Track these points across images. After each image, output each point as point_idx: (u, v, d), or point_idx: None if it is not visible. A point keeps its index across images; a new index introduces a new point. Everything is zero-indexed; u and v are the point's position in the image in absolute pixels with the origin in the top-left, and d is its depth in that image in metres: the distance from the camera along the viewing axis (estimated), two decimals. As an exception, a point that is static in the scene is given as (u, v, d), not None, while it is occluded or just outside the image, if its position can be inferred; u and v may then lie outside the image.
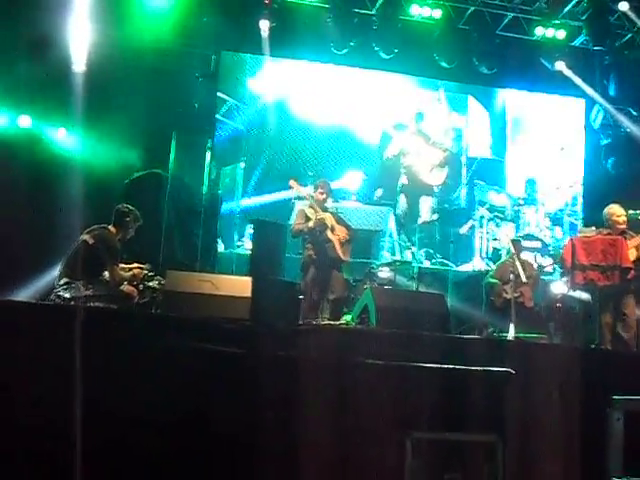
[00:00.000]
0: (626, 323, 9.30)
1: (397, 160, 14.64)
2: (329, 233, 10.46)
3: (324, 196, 10.63)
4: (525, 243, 12.63)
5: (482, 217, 14.66)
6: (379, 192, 14.58)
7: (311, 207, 10.61)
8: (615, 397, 4.48)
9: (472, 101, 15.73)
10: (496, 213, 14.68)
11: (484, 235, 14.52)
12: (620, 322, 9.30)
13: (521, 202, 15.00)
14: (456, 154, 15.53)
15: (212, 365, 5.62)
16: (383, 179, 14.74)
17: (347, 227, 10.78)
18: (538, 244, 13.90)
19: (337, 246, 10.41)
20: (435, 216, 14.28)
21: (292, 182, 11.06)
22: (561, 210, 15.28)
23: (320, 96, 14.46)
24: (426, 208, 14.55)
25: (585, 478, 5.27)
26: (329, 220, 10.51)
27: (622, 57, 14.01)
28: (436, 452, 5.47)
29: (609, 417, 4.41)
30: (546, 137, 15.56)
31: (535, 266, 11.82)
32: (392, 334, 6.66)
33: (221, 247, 12.32)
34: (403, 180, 14.70)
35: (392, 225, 14.09)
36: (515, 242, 11.30)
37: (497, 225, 14.64)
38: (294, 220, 10.71)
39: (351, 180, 14.38)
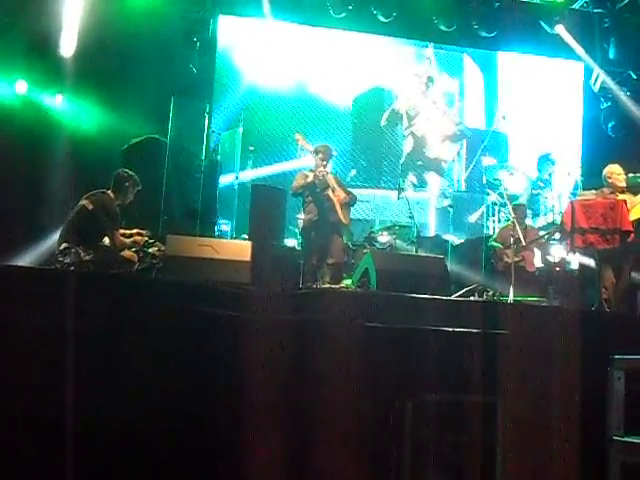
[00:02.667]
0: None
1: (397, 123, 14.33)
2: (330, 192, 10.39)
3: (324, 162, 10.56)
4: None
5: (494, 204, 13.22)
6: (353, 172, 13.98)
7: (312, 171, 10.56)
8: (616, 356, 4.50)
9: (468, 61, 15.38)
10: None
11: (496, 225, 12.85)
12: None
13: (541, 184, 13.70)
14: (466, 130, 14.97)
15: (212, 328, 5.62)
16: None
17: (347, 191, 10.73)
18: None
19: (337, 207, 10.33)
20: (447, 202, 13.64)
21: (298, 136, 10.94)
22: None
23: (286, 58, 14.02)
24: (435, 189, 14.20)
25: (586, 437, 5.30)
26: (330, 180, 10.47)
27: (622, 20, 13.92)
28: (438, 413, 5.50)
29: (610, 376, 4.42)
30: (544, 103, 15.23)
31: (539, 231, 11.78)
32: (392, 297, 6.68)
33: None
34: (408, 146, 14.27)
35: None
36: (517, 207, 11.29)
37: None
38: (295, 181, 10.64)
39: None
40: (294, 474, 5.38)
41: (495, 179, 13.67)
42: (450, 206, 13.51)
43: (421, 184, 14.19)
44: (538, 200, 13.61)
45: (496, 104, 15.35)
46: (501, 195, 12.75)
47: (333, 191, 10.36)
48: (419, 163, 14.26)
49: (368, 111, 14.71)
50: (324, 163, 10.52)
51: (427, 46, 14.83)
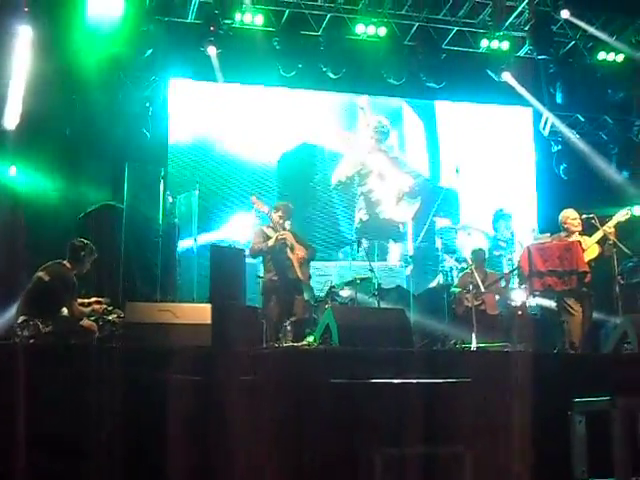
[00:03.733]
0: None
1: (350, 186, 14.24)
2: (289, 252, 10.41)
3: (282, 220, 10.59)
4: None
5: (451, 269, 12.55)
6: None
7: (270, 227, 10.59)
8: (576, 400, 4.53)
9: (407, 110, 15.20)
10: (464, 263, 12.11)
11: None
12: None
13: (502, 244, 13.51)
14: (427, 181, 14.65)
15: (175, 394, 5.58)
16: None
17: (306, 246, 10.74)
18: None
19: (296, 266, 10.36)
20: (409, 270, 12.76)
21: (254, 199, 10.98)
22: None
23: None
24: (395, 257, 13.86)
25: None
26: (289, 239, 10.48)
27: (567, 65, 14.22)
28: (406, 467, 5.47)
29: (571, 420, 4.45)
30: (491, 152, 15.17)
31: (497, 276, 11.85)
32: (354, 352, 6.67)
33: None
34: (361, 216, 14.01)
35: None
36: (475, 252, 11.40)
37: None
38: (253, 240, 10.65)
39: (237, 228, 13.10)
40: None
41: (450, 243, 13.28)
42: (411, 274, 12.65)
43: (380, 254, 13.58)
44: (501, 262, 13.37)
45: (438, 155, 15.13)
46: (458, 260, 12.47)
47: (292, 250, 10.39)
48: (372, 231, 13.82)
49: (295, 169, 14.41)
50: (282, 222, 10.56)
51: (360, 94, 14.77)
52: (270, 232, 10.50)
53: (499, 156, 15.23)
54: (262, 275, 10.72)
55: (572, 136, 14.34)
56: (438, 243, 12.98)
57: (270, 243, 10.38)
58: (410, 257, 12.98)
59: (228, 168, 13.86)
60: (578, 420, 4.43)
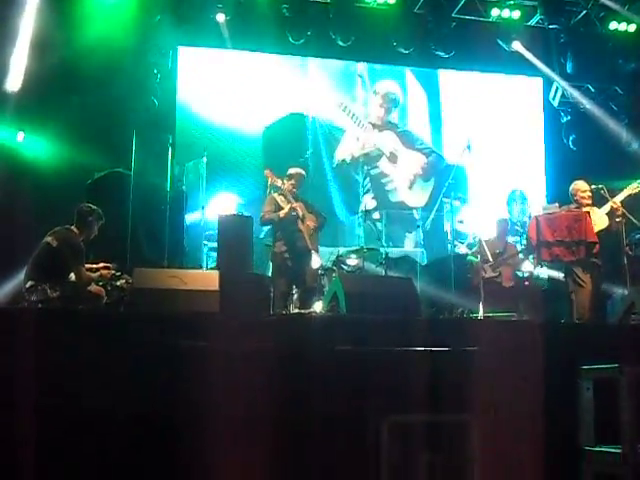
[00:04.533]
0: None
1: (354, 168, 13.83)
2: (299, 224, 10.40)
3: (294, 189, 10.58)
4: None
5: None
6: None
7: (282, 195, 10.56)
8: (583, 367, 4.52)
9: (410, 78, 14.82)
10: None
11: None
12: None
13: (518, 228, 12.96)
14: (441, 158, 14.03)
15: (183, 360, 5.59)
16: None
17: (317, 214, 10.76)
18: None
19: (306, 236, 10.37)
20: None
21: (267, 172, 10.85)
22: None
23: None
24: (410, 245, 13.52)
25: (558, 450, 5.31)
26: (300, 210, 10.47)
27: (578, 34, 14.11)
28: (412, 434, 5.48)
29: (579, 387, 4.45)
30: (499, 125, 14.90)
31: (517, 249, 11.84)
32: (361, 319, 6.67)
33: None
34: (367, 201, 13.39)
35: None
36: (500, 222, 11.40)
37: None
38: (264, 208, 10.62)
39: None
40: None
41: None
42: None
43: (394, 240, 13.25)
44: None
45: (441, 128, 14.81)
46: (470, 246, 12.24)
47: (303, 221, 10.38)
48: (382, 218, 13.12)
49: (282, 141, 13.86)
50: (294, 190, 10.55)
51: (369, 63, 14.53)
52: (282, 200, 10.47)
53: (507, 128, 15.03)
54: (270, 244, 10.71)
55: (585, 102, 14.16)
56: (447, 227, 12.79)
57: (282, 214, 10.36)
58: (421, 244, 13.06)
59: (235, 138, 13.72)
60: (586, 387, 4.43)
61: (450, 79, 15.06)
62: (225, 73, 13.80)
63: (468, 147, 11.76)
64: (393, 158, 14.02)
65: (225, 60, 13.74)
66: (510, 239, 12.43)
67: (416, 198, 13.80)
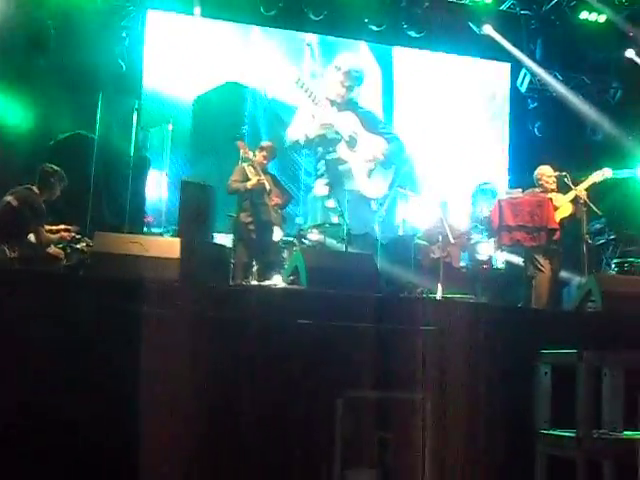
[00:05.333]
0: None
1: (306, 149, 13.24)
2: (265, 197, 10.40)
3: (265, 161, 10.57)
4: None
5: None
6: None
7: (251, 166, 10.50)
8: (542, 351, 4.56)
9: (364, 51, 14.31)
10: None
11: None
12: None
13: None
14: (401, 145, 13.41)
15: (139, 326, 5.55)
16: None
17: (283, 191, 10.79)
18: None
19: (270, 210, 10.39)
20: None
21: (240, 143, 10.80)
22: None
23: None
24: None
25: (512, 432, 5.36)
26: (268, 183, 10.46)
27: (548, 22, 14.16)
28: (366, 411, 5.51)
29: (537, 370, 4.48)
30: (461, 109, 14.65)
31: (462, 228, 11.87)
32: (322, 294, 6.66)
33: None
34: (320, 188, 12.87)
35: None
36: (442, 205, 11.41)
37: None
38: (232, 177, 10.55)
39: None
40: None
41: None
42: None
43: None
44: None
45: (392, 108, 14.41)
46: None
47: (269, 195, 10.37)
48: (336, 206, 12.00)
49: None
50: (265, 162, 10.53)
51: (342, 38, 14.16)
52: (251, 172, 10.41)
53: (468, 113, 14.92)
54: (233, 214, 10.67)
55: (558, 87, 14.12)
56: (398, 219, 12.77)
57: (249, 185, 10.31)
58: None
59: (201, 105, 13.52)
60: (544, 371, 4.47)
61: (405, 57, 14.75)
62: (189, 40, 13.54)
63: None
64: (352, 142, 13.40)
65: (192, 27, 13.50)
66: (472, 237, 11.98)
67: (375, 188, 13.22)
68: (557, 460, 4.52)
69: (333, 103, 13.54)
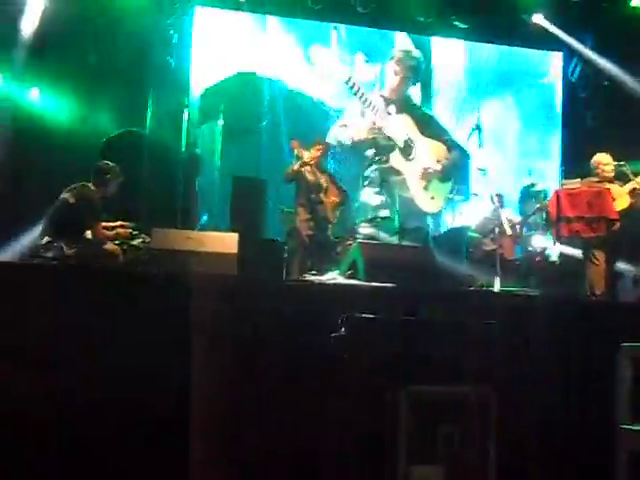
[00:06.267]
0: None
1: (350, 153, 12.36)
2: (322, 195, 10.43)
3: (319, 153, 10.56)
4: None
5: None
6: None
7: (309, 166, 10.50)
8: (623, 345, 4.46)
9: (401, 40, 13.55)
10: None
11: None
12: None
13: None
14: (465, 153, 12.01)
15: (202, 321, 5.55)
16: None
17: (341, 190, 10.80)
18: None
19: (329, 208, 10.45)
20: None
21: (294, 143, 10.74)
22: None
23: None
24: None
25: (594, 427, 5.27)
26: (325, 182, 10.51)
27: (600, 9, 13.94)
28: (430, 405, 5.44)
29: (618, 364, 4.38)
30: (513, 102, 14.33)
31: (517, 219, 11.71)
32: (382, 288, 6.62)
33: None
34: (370, 198, 11.94)
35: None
36: (497, 196, 11.25)
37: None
38: (289, 169, 10.56)
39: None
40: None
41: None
42: None
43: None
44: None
45: (432, 101, 13.68)
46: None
47: (325, 193, 10.36)
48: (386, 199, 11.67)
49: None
50: (319, 154, 10.62)
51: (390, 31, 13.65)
52: (308, 171, 10.46)
53: (517, 104, 14.64)
54: (286, 209, 10.67)
55: (613, 70, 13.80)
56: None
57: (308, 177, 10.35)
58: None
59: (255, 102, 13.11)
60: (625, 365, 4.37)
61: (445, 48, 14.30)
62: (246, 35, 13.25)
63: (478, 128, 10.71)
64: (408, 150, 11.97)
65: (245, 22, 13.32)
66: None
67: (431, 202, 12.02)
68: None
69: (388, 101, 12.43)
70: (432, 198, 11.83)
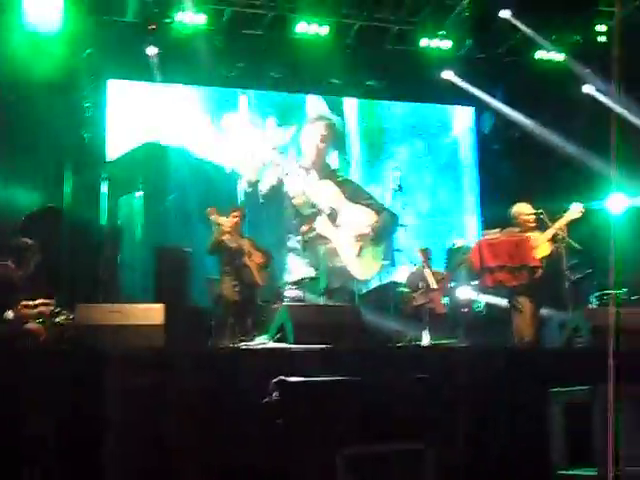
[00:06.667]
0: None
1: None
2: (246, 259, 10.39)
3: (237, 219, 10.54)
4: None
5: None
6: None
7: (228, 233, 10.47)
8: (554, 390, 4.49)
9: (312, 104, 13.87)
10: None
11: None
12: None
13: None
14: (394, 215, 11.69)
15: (129, 396, 5.46)
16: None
17: (264, 252, 10.80)
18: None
19: (255, 272, 10.41)
20: None
21: (210, 210, 10.66)
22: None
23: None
24: None
25: (527, 475, 5.27)
26: (247, 246, 10.49)
27: (508, 64, 14.29)
28: (367, 466, 5.40)
29: (551, 409, 4.40)
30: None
31: (442, 275, 11.82)
32: (311, 350, 6.59)
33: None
34: (302, 270, 12.07)
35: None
36: (423, 251, 11.37)
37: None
38: (211, 239, 10.53)
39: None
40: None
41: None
42: None
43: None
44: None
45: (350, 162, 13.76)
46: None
47: (249, 256, 10.34)
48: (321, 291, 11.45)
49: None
50: (237, 221, 10.58)
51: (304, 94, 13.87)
52: (228, 239, 10.41)
53: (434, 160, 14.93)
54: (212, 277, 10.62)
55: (526, 121, 14.09)
56: None
57: (231, 244, 10.31)
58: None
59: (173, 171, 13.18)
60: (557, 410, 4.39)
61: (355, 107, 14.53)
62: (162, 106, 13.40)
63: (399, 187, 10.95)
64: (333, 216, 12.23)
65: (160, 93, 13.44)
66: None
67: (365, 269, 12.16)
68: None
69: (308, 170, 12.76)
70: (366, 264, 11.89)
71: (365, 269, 12.03)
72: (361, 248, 11.99)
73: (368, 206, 12.30)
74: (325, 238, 11.97)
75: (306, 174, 12.47)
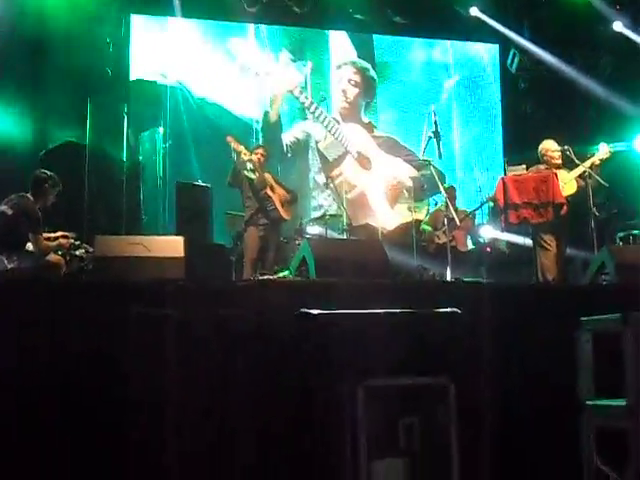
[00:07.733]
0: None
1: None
2: (268, 191, 10.22)
3: (263, 158, 10.39)
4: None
5: None
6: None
7: (249, 162, 10.24)
8: (583, 319, 4.40)
9: (336, 40, 13.72)
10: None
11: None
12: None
13: None
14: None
15: (148, 327, 5.40)
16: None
17: (287, 189, 10.64)
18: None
19: (278, 205, 10.23)
20: None
21: (230, 138, 10.43)
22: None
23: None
24: None
25: (557, 405, 5.22)
26: (270, 180, 10.34)
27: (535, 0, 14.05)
28: (389, 398, 5.36)
29: (578, 339, 4.32)
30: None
31: (466, 212, 11.71)
32: (334, 283, 6.52)
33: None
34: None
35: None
36: (447, 188, 11.23)
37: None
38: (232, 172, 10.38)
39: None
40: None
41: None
42: None
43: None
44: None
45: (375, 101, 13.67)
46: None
47: (272, 190, 10.19)
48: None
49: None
50: (263, 161, 10.36)
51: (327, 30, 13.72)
52: (250, 168, 10.24)
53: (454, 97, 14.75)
54: (232, 212, 10.53)
55: (551, 60, 13.87)
56: None
57: (251, 175, 10.14)
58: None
59: (194, 109, 13.08)
60: (585, 339, 4.31)
61: (387, 45, 14.42)
62: (183, 41, 13.20)
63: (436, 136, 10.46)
64: (363, 161, 12.31)
65: (181, 28, 13.22)
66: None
67: (395, 221, 12.03)
68: (605, 432, 4.35)
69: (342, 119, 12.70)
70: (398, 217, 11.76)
71: (395, 222, 11.97)
72: (395, 201, 11.96)
73: (410, 161, 12.17)
74: (352, 185, 11.94)
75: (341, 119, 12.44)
